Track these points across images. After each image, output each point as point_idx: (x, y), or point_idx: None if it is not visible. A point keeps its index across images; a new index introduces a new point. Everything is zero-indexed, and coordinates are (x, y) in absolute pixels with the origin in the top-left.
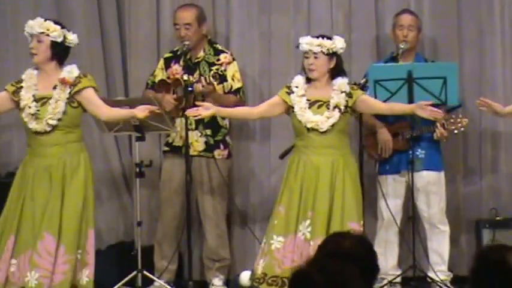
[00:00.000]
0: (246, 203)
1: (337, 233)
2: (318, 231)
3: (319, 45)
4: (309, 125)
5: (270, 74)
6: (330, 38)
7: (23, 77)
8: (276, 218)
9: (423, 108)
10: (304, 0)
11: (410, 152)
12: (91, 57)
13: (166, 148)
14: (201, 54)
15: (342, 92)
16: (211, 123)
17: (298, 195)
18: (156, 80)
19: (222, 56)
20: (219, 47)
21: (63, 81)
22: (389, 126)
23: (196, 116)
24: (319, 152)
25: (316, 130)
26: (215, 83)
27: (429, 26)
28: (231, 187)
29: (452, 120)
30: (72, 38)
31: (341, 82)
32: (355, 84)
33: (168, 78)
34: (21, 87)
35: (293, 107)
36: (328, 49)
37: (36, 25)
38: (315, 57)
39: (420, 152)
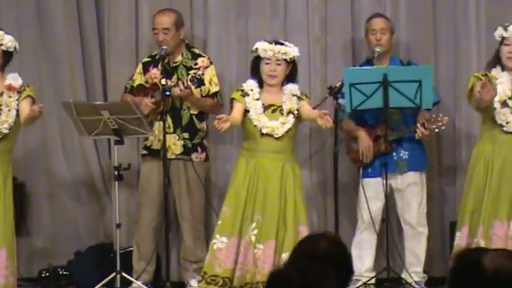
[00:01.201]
0: (223, 205)
1: (313, 235)
2: (267, 235)
3: (284, 53)
4: (264, 131)
5: (247, 78)
6: (283, 44)
7: None
8: (220, 218)
9: (321, 117)
10: (281, 4)
11: (394, 154)
12: (70, 62)
13: (144, 151)
14: (178, 58)
15: (293, 96)
16: (189, 127)
17: (245, 197)
18: (135, 84)
19: (199, 60)
20: (197, 51)
21: (10, 88)
22: (370, 130)
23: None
24: (270, 156)
25: (271, 135)
26: (193, 87)
27: (405, 29)
28: (208, 190)
29: (432, 119)
30: (15, 44)
31: (291, 87)
32: (330, 87)
33: (147, 82)
34: None
35: (248, 111)
36: (290, 57)
37: None
38: (278, 64)
39: (404, 153)
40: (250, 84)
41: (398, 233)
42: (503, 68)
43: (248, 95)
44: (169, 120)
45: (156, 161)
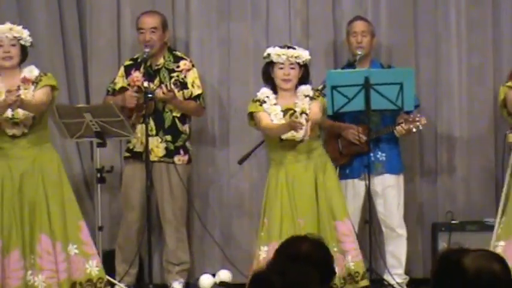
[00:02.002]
0: (205, 207)
1: (295, 237)
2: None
3: (297, 57)
4: (284, 137)
5: (229, 81)
6: (293, 48)
7: None
8: (261, 230)
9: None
10: (263, 8)
11: (372, 155)
12: (52, 64)
13: (127, 154)
14: (161, 61)
15: (305, 97)
16: (172, 129)
17: (280, 206)
18: (117, 87)
19: (181, 63)
20: (179, 53)
21: (25, 81)
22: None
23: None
24: (298, 159)
25: (292, 140)
26: (176, 90)
27: (386, 32)
28: (191, 192)
29: (410, 119)
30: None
31: (304, 88)
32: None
33: (129, 85)
34: None
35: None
36: (303, 60)
37: (8, 30)
38: (291, 68)
39: (381, 155)
40: (265, 92)
41: (376, 234)
42: None
43: (265, 102)
44: (151, 122)
45: (139, 164)
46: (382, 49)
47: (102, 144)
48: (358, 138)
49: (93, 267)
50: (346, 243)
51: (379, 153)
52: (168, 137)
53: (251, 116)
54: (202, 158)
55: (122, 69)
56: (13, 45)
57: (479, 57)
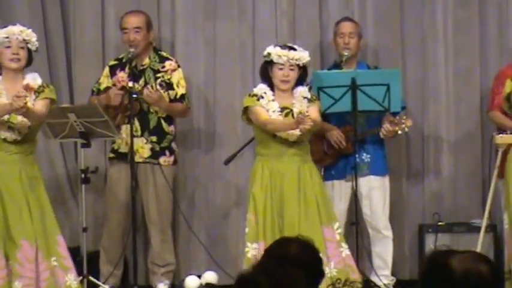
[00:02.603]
0: (191, 209)
1: (284, 238)
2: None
3: (298, 59)
4: (278, 134)
5: (215, 81)
6: (293, 48)
7: None
8: (247, 226)
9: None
10: (249, 8)
11: (357, 156)
12: (36, 64)
13: (112, 155)
14: (146, 61)
15: (303, 98)
16: (157, 130)
17: (263, 203)
18: (101, 87)
19: (167, 63)
20: (164, 54)
21: (27, 88)
22: None
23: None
24: (285, 159)
25: (286, 139)
26: (162, 91)
27: (373, 33)
28: (176, 193)
29: (396, 121)
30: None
31: (302, 89)
32: None
33: (114, 85)
34: None
35: None
36: (303, 62)
37: (18, 31)
38: (291, 69)
39: (366, 157)
40: (263, 88)
41: (362, 235)
42: None
43: (262, 97)
44: (136, 123)
45: (124, 165)
46: (369, 50)
47: (86, 145)
48: (339, 143)
49: (72, 280)
50: (330, 249)
51: (364, 154)
52: (154, 138)
53: (245, 110)
54: (188, 158)
55: (107, 69)
56: (22, 47)
57: (466, 58)
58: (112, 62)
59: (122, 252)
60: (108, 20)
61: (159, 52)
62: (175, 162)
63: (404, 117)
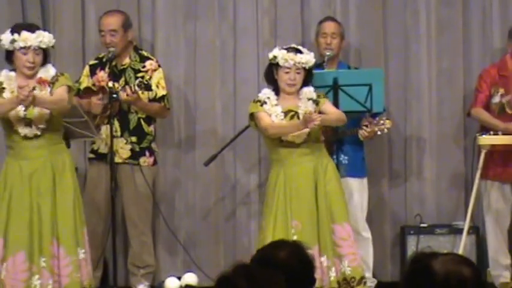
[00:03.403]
0: (171, 210)
1: (277, 241)
2: (309, 241)
3: (305, 62)
4: (284, 138)
5: (195, 81)
6: (298, 50)
7: (1, 79)
8: (260, 232)
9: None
10: (230, 7)
11: (335, 157)
12: None
13: (91, 155)
14: (126, 61)
15: (308, 100)
16: (137, 131)
17: (276, 208)
18: (82, 87)
19: (147, 63)
20: (145, 53)
21: (40, 81)
22: None
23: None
24: (298, 161)
25: (293, 142)
26: (140, 91)
27: (355, 33)
28: (156, 194)
29: (375, 122)
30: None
31: (307, 90)
32: None
33: (94, 85)
34: (3, 88)
35: None
36: (309, 66)
37: (35, 39)
38: (297, 73)
39: (343, 158)
40: (267, 93)
41: None
42: None
43: (266, 103)
44: (116, 123)
45: (103, 165)
46: (351, 50)
47: (66, 145)
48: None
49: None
50: (344, 248)
51: (342, 156)
52: (133, 139)
53: (252, 116)
54: (168, 159)
55: (87, 68)
56: (37, 54)
57: (449, 58)
58: (92, 62)
59: (102, 253)
60: (88, 20)
61: (140, 51)
62: (155, 162)
63: (384, 118)
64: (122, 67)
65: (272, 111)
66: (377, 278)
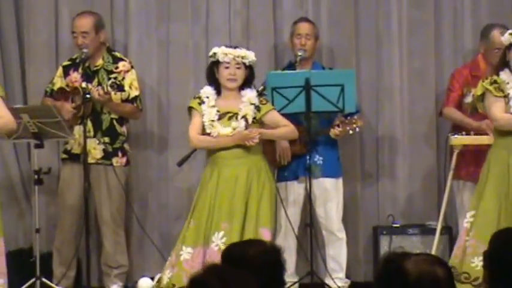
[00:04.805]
0: (144, 210)
1: (245, 241)
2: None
3: (244, 57)
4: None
5: (168, 82)
6: (238, 48)
7: None
8: (186, 229)
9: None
10: (203, 9)
11: (308, 158)
12: None
13: (64, 156)
14: (99, 62)
15: (251, 104)
16: (110, 131)
17: (208, 208)
18: (55, 87)
19: (120, 64)
20: (118, 54)
21: None
22: None
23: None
24: (232, 163)
25: None
26: (112, 92)
27: (327, 34)
28: (129, 194)
29: (347, 121)
30: None
31: (250, 95)
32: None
33: (67, 86)
34: None
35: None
36: (249, 61)
37: None
38: (237, 68)
39: (318, 159)
40: (207, 92)
41: (317, 237)
42: None
43: (204, 102)
44: (89, 124)
45: (76, 165)
46: (323, 51)
47: (39, 146)
48: (283, 158)
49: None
50: None
51: (317, 156)
52: (106, 139)
53: (189, 110)
54: (141, 160)
55: (60, 69)
56: None
57: (421, 59)
58: (65, 63)
59: (75, 253)
60: (61, 21)
61: (113, 52)
62: (127, 163)
63: (355, 117)
64: (95, 68)
65: (207, 112)
66: (350, 278)
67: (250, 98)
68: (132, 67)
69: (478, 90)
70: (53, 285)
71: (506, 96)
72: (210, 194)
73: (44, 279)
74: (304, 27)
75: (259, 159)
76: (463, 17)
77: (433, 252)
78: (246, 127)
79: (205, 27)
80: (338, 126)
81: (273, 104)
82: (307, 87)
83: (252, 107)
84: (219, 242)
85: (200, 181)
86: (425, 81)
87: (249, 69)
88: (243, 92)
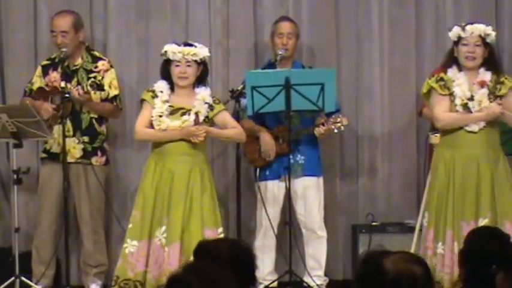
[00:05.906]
0: (124, 209)
1: (215, 239)
2: (172, 238)
3: (194, 54)
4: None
5: (148, 81)
6: (192, 45)
7: None
8: (130, 222)
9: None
10: (182, 7)
11: (291, 157)
12: None
13: (44, 155)
14: (79, 61)
15: (205, 103)
16: (89, 130)
17: (153, 201)
18: (34, 87)
19: (99, 63)
20: (97, 54)
21: None
22: (268, 131)
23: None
24: (177, 159)
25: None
26: (92, 91)
27: (307, 33)
28: (109, 193)
29: (332, 120)
30: None
31: (204, 93)
32: (232, 90)
33: (47, 85)
34: None
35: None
36: (201, 58)
37: None
38: (188, 66)
39: (300, 158)
40: (161, 86)
41: (296, 236)
42: (460, 69)
43: (157, 96)
44: (68, 123)
45: (56, 165)
46: (304, 49)
47: (18, 145)
48: (267, 156)
49: None
50: None
51: (299, 156)
52: (86, 138)
53: (142, 102)
54: (120, 159)
55: (39, 69)
56: None
57: (401, 57)
58: (44, 62)
59: (54, 252)
60: (40, 20)
61: (92, 52)
62: (107, 162)
63: (340, 116)
64: (74, 67)
65: (158, 106)
66: (329, 276)
67: (204, 96)
68: (111, 66)
69: (424, 88)
70: (32, 284)
71: (451, 94)
72: (152, 187)
73: (23, 278)
74: (285, 27)
75: (203, 161)
76: (444, 15)
77: (411, 251)
78: (196, 123)
79: (185, 26)
80: (323, 124)
81: (253, 103)
82: (287, 86)
83: (206, 105)
84: (161, 236)
85: (142, 173)
86: (406, 80)
87: (203, 65)
88: (197, 90)
